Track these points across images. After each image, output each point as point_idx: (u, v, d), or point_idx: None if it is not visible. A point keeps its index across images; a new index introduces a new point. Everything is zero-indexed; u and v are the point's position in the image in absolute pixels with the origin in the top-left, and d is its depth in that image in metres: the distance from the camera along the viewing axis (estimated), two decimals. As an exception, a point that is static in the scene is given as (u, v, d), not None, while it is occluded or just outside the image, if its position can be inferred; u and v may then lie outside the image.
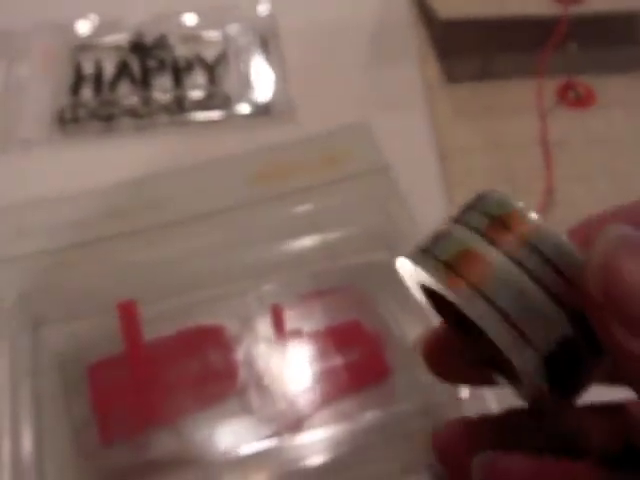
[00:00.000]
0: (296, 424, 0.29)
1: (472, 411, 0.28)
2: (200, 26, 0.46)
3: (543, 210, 0.37)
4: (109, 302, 0.34)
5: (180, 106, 0.42)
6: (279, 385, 0.31)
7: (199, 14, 0.46)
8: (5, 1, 0.48)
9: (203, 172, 0.39)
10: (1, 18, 0.46)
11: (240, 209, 0.38)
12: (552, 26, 0.42)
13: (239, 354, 0.32)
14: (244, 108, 0.42)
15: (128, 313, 0.33)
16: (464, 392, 0.29)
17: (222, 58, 0.44)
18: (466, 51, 0.44)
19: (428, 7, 0.43)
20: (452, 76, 0.43)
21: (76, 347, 0.33)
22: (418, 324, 0.33)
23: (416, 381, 0.30)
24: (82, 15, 0.46)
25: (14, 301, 0.34)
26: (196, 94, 0.43)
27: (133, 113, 0.42)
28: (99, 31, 0.46)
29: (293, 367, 0.31)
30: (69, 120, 0.41)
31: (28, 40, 0.45)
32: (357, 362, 0.32)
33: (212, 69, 0.44)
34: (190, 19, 0.46)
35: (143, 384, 0.31)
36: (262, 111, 0.42)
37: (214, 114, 0.42)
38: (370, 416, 0.29)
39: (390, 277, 0.34)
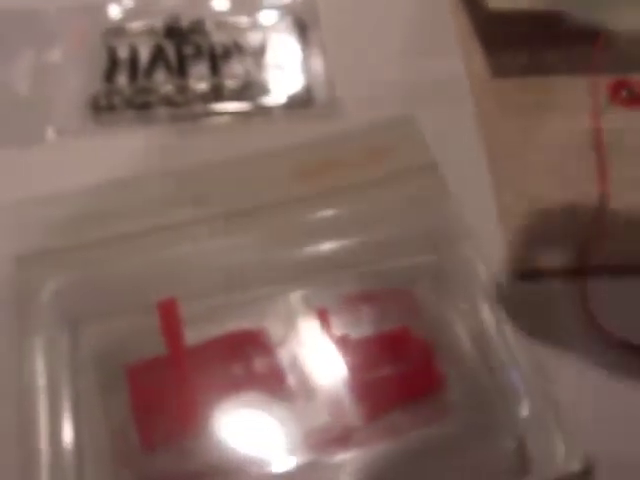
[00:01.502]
0: (343, 438, 0.28)
1: (533, 428, 0.27)
2: (236, 11, 0.44)
3: (598, 214, 0.36)
4: (149, 300, 0.33)
5: (217, 95, 0.40)
6: (325, 394, 0.30)
7: (235, -2, 0.45)
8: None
9: (244, 166, 0.38)
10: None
11: (282, 206, 0.36)
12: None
13: (284, 359, 0.31)
14: (283, 99, 0.41)
15: (168, 312, 0.32)
16: (524, 409, 0.28)
17: (260, 45, 0.43)
18: (512, 44, 0.43)
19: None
20: (498, 70, 0.42)
21: (114, 346, 0.32)
22: (470, 330, 0.32)
23: (472, 394, 0.29)
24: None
25: (50, 297, 0.33)
26: (233, 83, 0.41)
27: (168, 102, 0.40)
28: (132, 14, 0.44)
29: (340, 376, 0.30)
30: (103, 108, 0.40)
31: (58, 23, 0.44)
32: (407, 372, 0.30)
33: (250, 57, 0.42)
34: (226, 3, 0.45)
35: (185, 388, 0.30)
36: (302, 103, 0.41)
37: (252, 105, 0.40)
38: (421, 433, 0.28)
39: (439, 280, 0.34)
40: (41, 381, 0.31)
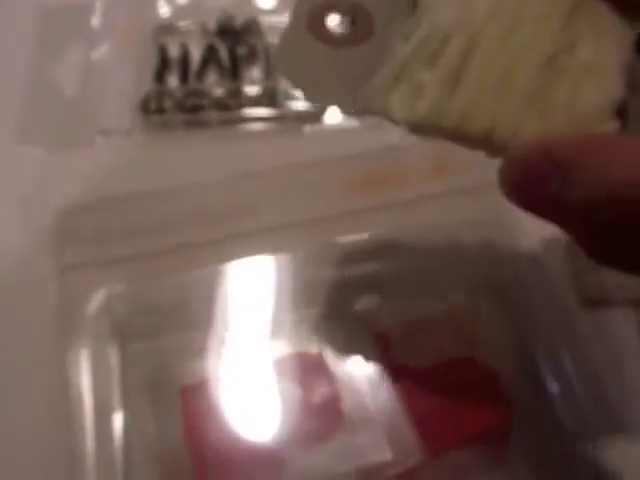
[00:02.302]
0: (407, 477, 0.27)
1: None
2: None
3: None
4: (203, 315, 0.31)
5: (271, 99, 0.39)
6: (385, 426, 0.28)
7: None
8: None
9: (299, 175, 0.36)
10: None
11: (338, 219, 0.35)
12: None
13: (341, 387, 0.29)
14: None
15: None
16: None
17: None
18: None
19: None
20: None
21: (168, 365, 0.30)
22: (540, 358, 0.30)
23: (545, 435, 0.27)
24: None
25: (98, 309, 0.32)
26: (288, 86, 0.39)
27: (220, 105, 0.39)
28: (184, 11, 0.42)
29: (401, 407, 0.29)
30: (154, 111, 0.38)
31: (106, 18, 0.42)
32: (472, 404, 0.29)
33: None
34: (279, 1, 0.43)
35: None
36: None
37: (306, 109, 0.39)
38: (489, 476, 0.27)
39: (504, 307, 0.32)
40: (88, 399, 0.30)
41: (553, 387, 0.29)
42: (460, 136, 0.22)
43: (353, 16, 0.24)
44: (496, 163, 0.21)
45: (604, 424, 0.29)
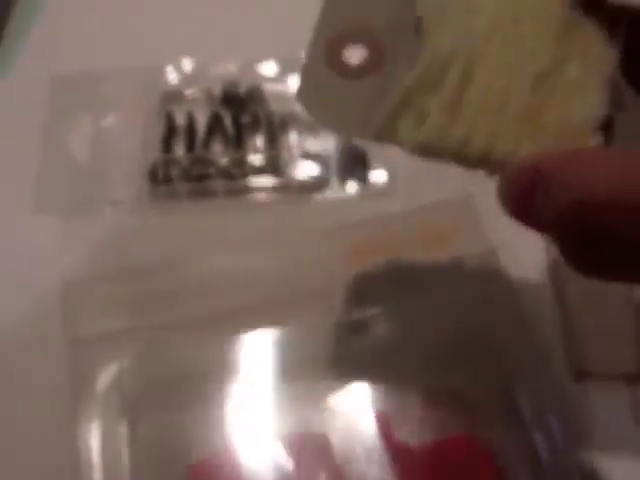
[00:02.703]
0: None
1: None
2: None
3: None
4: (210, 389, 0.33)
5: (274, 169, 0.40)
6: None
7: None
8: (87, 44, 0.46)
9: (302, 245, 0.37)
10: (84, 62, 0.45)
11: (340, 290, 0.36)
12: None
13: (344, 466, 0.30)
14: (339, 174, 0.40)
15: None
16: None
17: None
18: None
19: None
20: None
21: (177, 441, 0.32)
22: (534, 440, 0.31)
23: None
24: (170, 60, 0.44)
25: (107, 384, 0.33)
26: (290, 156, 0.41)
27: (225, 174, 0.40)
28: (189, 79, 0.44)
29: (401, 484, 0.30)
30: (161, 180, 0.40)
31: (115, 86, 0.44)
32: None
33: (306, 128, 0.42)
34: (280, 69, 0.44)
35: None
36: (360, 178, 0.40)
37: (308, 179, 0.40)
38: None
39: (503, 384, 0.33)
40: (98, 475, 0.31)
41: (545, 458, 0.30)
42: (461, 157, 0.24)
43: (366, 47, 0.26)
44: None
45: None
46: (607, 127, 0.23)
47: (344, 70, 0.26)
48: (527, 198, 0.21)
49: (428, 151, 0.24)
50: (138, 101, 0.43)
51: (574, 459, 0.31)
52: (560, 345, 0.35)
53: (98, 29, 0.47)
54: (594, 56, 0.25)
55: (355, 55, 0.26)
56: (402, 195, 0.40)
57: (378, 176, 0.40)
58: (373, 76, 0.25)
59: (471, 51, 0.24)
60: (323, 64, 0.26)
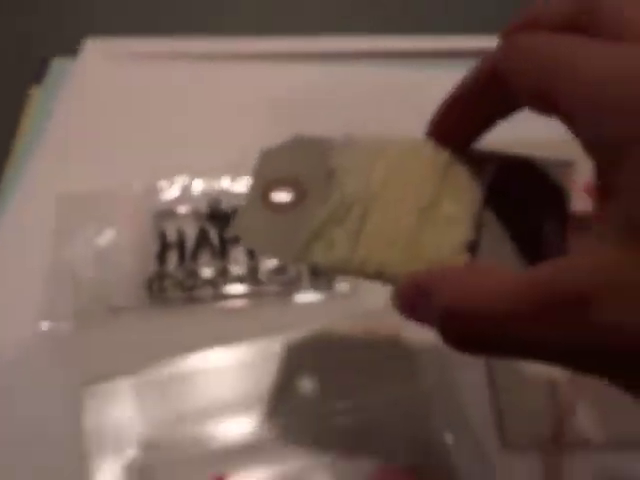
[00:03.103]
0: None
1: None
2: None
3: (573, 395, 0.42)
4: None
5: (254, 278, 0.47)
6: None
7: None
8: (89, 163, 0.54)
9: (276, 346, 0.44)
10: (85, 180, 0.52)
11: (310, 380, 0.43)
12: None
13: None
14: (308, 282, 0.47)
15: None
16: None
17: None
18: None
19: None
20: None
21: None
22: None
23: None
24: (162, 178, 0.52)
25: (123, 469, 0.39)
26: (268, 265, 0.48)
27: (211, 283, 0.47)
28: (180, 197, 0.51)
29: None
30: (156, 290, 0.46)
31: (113, 205, 0.51)
32: None
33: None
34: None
35: None
36: (324, 287, 0.47)
37: (283, 285, 0.47)
38: None
39: (443, 457, 0.40)
40: None
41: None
42: (361, 275, 0.31)
43: (291, 190, 0.34)
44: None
45: None
46: (473, 248, 0.30)
47: (274, 208, 0.33)
48: (411, 306, 0.27)
49: (336, 270, 0.32)
50: (135, 218, 0.50)
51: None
52: (490, 419, 0.42)
53: (100, 148, 0.55)
54: (465, 193, 0.32)
55: (282, 196, 0.33)
56: (363, 298, 0.47)
57: (342, 282, 0.47)
58: (296, 212, 0.33)
59: (370, 193, 0.32)
60: (259, 203, 0.33)
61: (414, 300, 0.27)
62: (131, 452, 0.40)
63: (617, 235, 0.22)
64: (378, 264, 0.31)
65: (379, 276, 0.31)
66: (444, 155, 0.32)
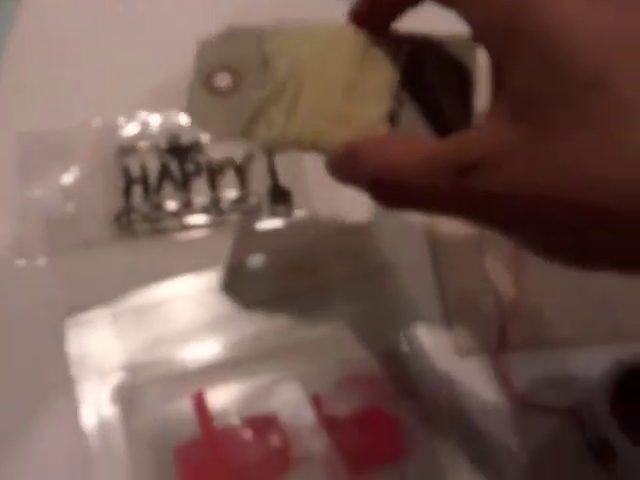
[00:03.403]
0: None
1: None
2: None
3: (515, 299, 0.47)
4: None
5: (217, 208, 0.50)
6: (322, 461, 0.41)
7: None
8: (48, 101, 0.54)
9: (241, 270, 0.48)
10: (47, 118, 0.53)
11: (275, 302, 0.47)
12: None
13: (291, 436, 0.41)
14: (268, 204, 0.51)
15: (199, 403, 0.42)
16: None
17: (250, 158, 0.52)
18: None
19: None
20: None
21: (165, 430, 0.42)
22: (430, 410, 0.43)
23: (429, 462, 0.41)
24: (124, 114, 0.53)
25: (109, 391, 0.43)
26: (230, 195, 0.51)
27: (176, 215, 0.50)
28: (139, 133, 0.53)
29: (332, 446, 0.41)
30: (124, 224, 0.49)
31: (75, 142, 0.52)
32: (379, 443, 0.42)
33: (241, 170, 0.52)
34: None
35: (218, 466, 0.41)
36: (285, 211, 0.50)
37: (244, 214, 0.50)
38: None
39: (401, 365, 0.45)
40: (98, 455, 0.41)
41: (432, 425, 0.42)
42: (298, 147, 0.36)
43: (230, 76, 0.38)
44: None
45: (469, 448, 0.42)
46: (392, 119, 0.35)
47: (216, 92, 0.38)
48: (345, 170, 0.32)
49: (276, 145, 0.37)
50: (98, 154, 0.52)
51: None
52: (443, 327, 0.47)
53: (58, 86, 0.56)
54: (385, 68, 0.37)
55: (223, 81, 0.37)
56: (320, 223, 0.51)
57: (300, 209, 0.51)
58: (236, 95, 0.37)
59: (301, 75, 0.37)
60: (202, 88, 0.38)
61: (345, 167, 0.32)
62: (114, 375, 0.44)
63: (509, 110, 0.26)
64: (312, 135, 0.36)
65: (314, 146, 0.36)
66: (364, 38, 0.37)
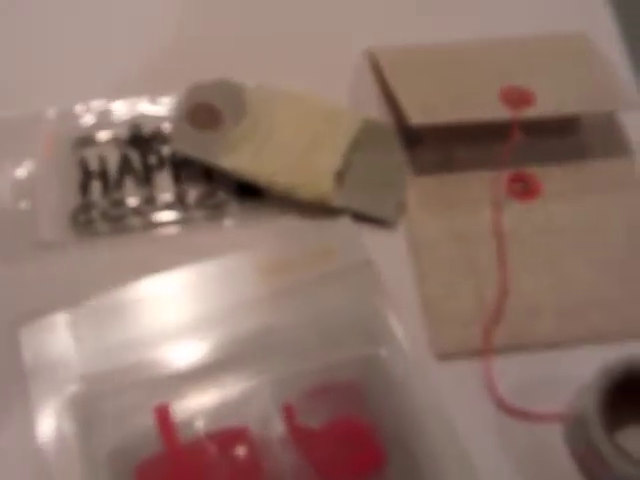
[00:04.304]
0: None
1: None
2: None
3: (499, 301, 0.45)
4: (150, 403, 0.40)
5: (182, 204, 0.47)
6: (295, 475, 0.38)
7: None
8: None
9: (217, 268, 0.45)
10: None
11: (242, 306, 0.44)
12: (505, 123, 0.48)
13: (261, 449, 0.39)
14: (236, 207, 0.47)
15: (163, 416, 0.39)
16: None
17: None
18: (430, 144, 0.50)
19: (400, 109, 0.49)
20: (419, 168, 0.50)
21: (125, 445, 0.39)
22: (407, 413, 0.41)
23: (410, 470, 0.38)
24: (79, 102, 0.50)
25: (66, 403, 0.40)
26: (194, 191, 0.47)
27: (139, 212, 0.46)
28: (98, 122, 0.49)
29: (305, 458, 0.39)
30: (82, 222, 0.46)
31: (28, 133, 0.48)
32: (355, 453, 0.39)
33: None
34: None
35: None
36: (254, 205, 0.47)
37: (213, 209, 0.47)
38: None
39: (379, 371, 0.42)
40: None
41: (413, 434, 0.40)
42: (257, 180, 0.46)
43: (210, 113, 0.47)
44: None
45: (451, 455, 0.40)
46: (339, 177, 0.47)
47: (198, 126, 0.47)
48: None
49: (241, 175, 0.46)
50: (52, 146, 0.48)
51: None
52: (425, 332, 0.44)
53: (7, 71, 0.52)
54: (341, 133, 0.48)
55: (205, 118, 0.47)
56: (293, 218, 0.48)
57: (270, 203, 0.48)
58: (214, 130, 0.47)
59: (272, 123, 0.47)
60: (185, 121, 0.47)
61: None
62: (73, 386, 0.41)
63: None
64: (270, 174, 0.46)
65: (269, 183, 0.46)
66: (328, 105, 0.50)
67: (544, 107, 0.49)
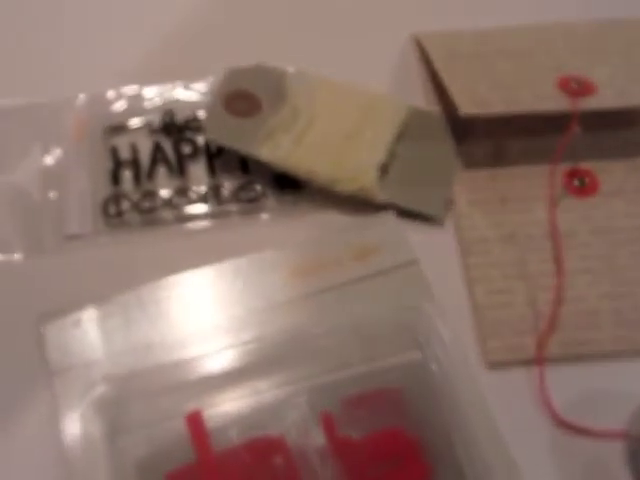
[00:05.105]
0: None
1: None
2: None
3: (554, 308, 0.41)
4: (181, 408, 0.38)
5: (216, 196, 0.44)
6: (335, 491, 0.36)
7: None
8: (23, 75, 0.49)
9: (246, 268, 0.42)
10: (22, 95, 0.47)
11: (281, 307, 0.41)
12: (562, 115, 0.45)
13: (298, 461, 0.36)
14: (275, 196, 0.45)
15: (195, 423, 0.37)
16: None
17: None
18: (480, 136, 0.47)
19: (449, 99, 0.46)
20: (468, 162, 0.46)
21: (155, 452, 0.37)
22: (454, 425, 0.38)
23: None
24: (111, 89, 0.48)
25: (92, 405, 0.38)
26: (229, 183, 0.45)
27: (171, 204, 0.44)
28: (130, 109, 0.47)
29: (345, 473, 0.36)
30: (113, 214, 0.43)
31: (58, 119, 0.46)
32: (399, 468, 0.36)
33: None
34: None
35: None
36: (292, 202, 0.45)
37: (247, 204, 0.44)
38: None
39: (425, 377, 0.39)
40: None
41: (461, 448, 0.37)
42: (295, 172, 0.43)
43: (249, 100, 0.45)
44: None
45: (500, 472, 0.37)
46: (383, 169, 0.44)
47: (235, 113, 0.45)
48: None
49: (277, 167, 0.43)
50: (82, 134, 0.46)
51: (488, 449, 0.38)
52: (475, 338, 0.41)
53: (36, 55, 0.50)
54: (382, 126, 0.45)
55: (242, 105, 0.45)
56: (334, 214, 0.45)
57: (311, 198, 0.45)
58: (252, 119, 0.45)
59: (312, 113, 0.45)
60: (222, 107, 0.45)
61: None
62: (100, 387, 0.38)
63: None
64: (309, 166, 0.43)
65: (308, 175, 0.43)
66: (371, 95, 0.47)
67: (606, 98, 0.45)
